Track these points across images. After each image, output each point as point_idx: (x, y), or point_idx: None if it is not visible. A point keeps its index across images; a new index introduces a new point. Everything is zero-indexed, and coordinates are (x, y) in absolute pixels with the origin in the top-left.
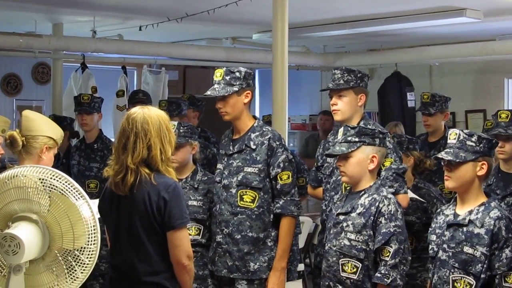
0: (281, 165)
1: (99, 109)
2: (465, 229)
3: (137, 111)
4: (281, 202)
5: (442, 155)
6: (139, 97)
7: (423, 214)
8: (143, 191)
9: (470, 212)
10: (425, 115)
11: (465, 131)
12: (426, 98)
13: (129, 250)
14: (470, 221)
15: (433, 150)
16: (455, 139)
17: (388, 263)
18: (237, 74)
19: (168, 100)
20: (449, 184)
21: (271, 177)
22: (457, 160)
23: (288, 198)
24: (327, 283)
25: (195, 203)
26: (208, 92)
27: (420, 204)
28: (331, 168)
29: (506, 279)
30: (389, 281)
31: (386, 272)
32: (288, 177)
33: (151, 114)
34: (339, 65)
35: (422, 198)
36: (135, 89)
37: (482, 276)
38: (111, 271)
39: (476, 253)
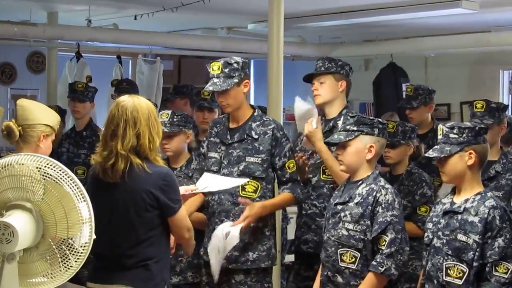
0: (287, 154)
1: (92, 99)
2: (459, 216)
3: (127, 99)
4: (289, 185)
5: (429, 153)
6: (123, 87)
7: (413, 198)
8: (138, 180)
9: (466, 200)
10: (407, 108)
11: (447, 124)
12: (409, 91)
13: (118, 238)
14: (465, 209)
15: (422, 142)
16: (441, 134)
17: (383, 252)
18: (235, 65)
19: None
20: (444, 178)
21: (277, 167)
22: (442, 156)
23: (296, 183)
24: (326, 273)
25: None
26: (210, 88)
27: (411, 188)
28: (310, 152)
29: (496, 268)
30: (382, 269)
31: (381, 261)
32: (294, 165)
33: (140, 103)
34: (334, 55)
35: (413, 182)
36: (130, 78)
37: (475, 264)
38: (95, 260)
39: (469, 241)
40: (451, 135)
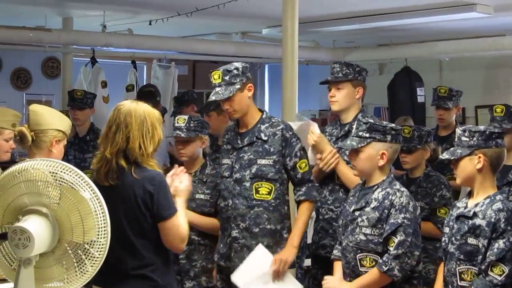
0: (298, 154)
1: (91, 105)
2: (470, 221)
3: (126, 103)
4: (303, 189)
5: (442, 155)
6: (148, 90)
7: (432, 200)
8: (126, 184)
9: (476, 204)
10: (442, 109)
11: (460, 128)
12: (443, 92)
13: (115, 243)
14: (475, 213)
15: (445, 144)
16: (457, 137)
17: (391, 253)
18: (235, 71)
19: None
20: (457, 180)
21: (289, 167)
22: (452, 158)
23: (310, 185)
24: (347, 280)
25: (202, 196)
26: (213, 97)
27: (429, 191)
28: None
29: (493, 268)
30: (386, 268)
31: (386, 260)
32: (306, 165)
33: (137, 108)
34: (348, 60)
35: (431, 184)
36: (144, 83)
37: (483, 267)
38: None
39: (479, 244)
40: (463, 138)
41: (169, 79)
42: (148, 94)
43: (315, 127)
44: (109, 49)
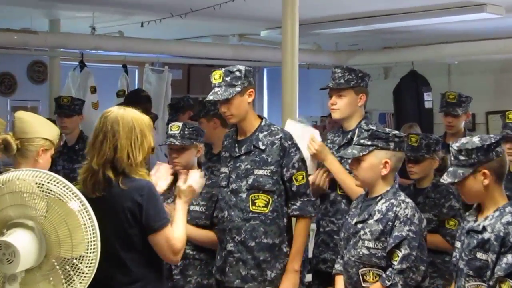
0: (296, 165)
1: (80, 111)
2: (479, 235)
3: (113, 110)
4: (298, 204)
5: (443, 178)
6: (144, 95)
7: (440, 211)
8: (113, 196)
9: (486, 218)
10: (451, 116)
11: (455, 145)
12: (452, 98)
13: (103, 258)
14: (484, 227)
15: None
16: (452, 155)
17: (394, 268)
18: (237, 73)
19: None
20: (466, 200)
21: (285, 178)
22: (456, 180)
23: (305, 199)
24: None
25: (197, 208)
26: (210, 97)
27: (438, 201)
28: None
29: (501, 284)
30: (389, 283)
31: (390, 275)
32: (303, 177)
33: (124, 115)
34: (352, 63)
35: (439, 194)
36: (136, 87)
37: (490, 283)
38: None
39: (488, 259)
40: (461, 157)
41: (162, 84)
42: (137, 99)
43: (316, 135)
44: (98, 52)
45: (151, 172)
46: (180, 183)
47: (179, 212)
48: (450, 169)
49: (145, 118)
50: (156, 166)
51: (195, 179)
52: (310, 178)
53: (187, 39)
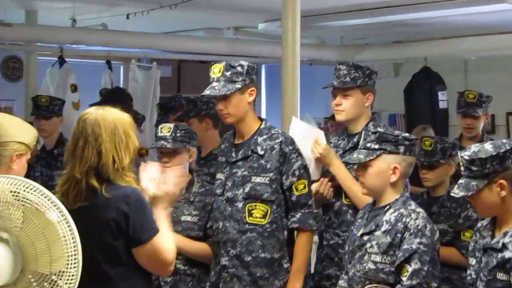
0: (296, 173)
1: (59, 113)
2: (499, 254)
3: (91, 111)
4: (298, 216)
5: (454, 191)
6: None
7: (456, 222)
8: (96, 205)
9: (505, 234)
10: (470, 117)
11: (465, 154)
12: (472, 98)
13: (85, 274)
14: (504, 245)
15: None
16: (462, 166)
17: (403, 284)
18: (239, 68)
19: (186, 99)
20: (479, 214)
21: (284, 187)
22: (470, 194)
23: (306, 211)
24: None
25: (189, 218)
26: (207, 92)
27: (453, 211)
28: (331, 174)
29: None
30: None
31: None
32: (305, 187)
33: (105, 115)
34: (358, 59)
35: (455, 203)
36: (122, 86)
37: None
38: None
39: (511, 280)
40: (474, 168)
41: (150, 82)
42: (115, 97)
43: (321, 137)
44: (80, 47)
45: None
46: (155, 189)
47: (161, 222)
48: (461, 181)
49: (125, 117)
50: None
51: (172, 183)
52: (313, 186)
53: (178, 33)
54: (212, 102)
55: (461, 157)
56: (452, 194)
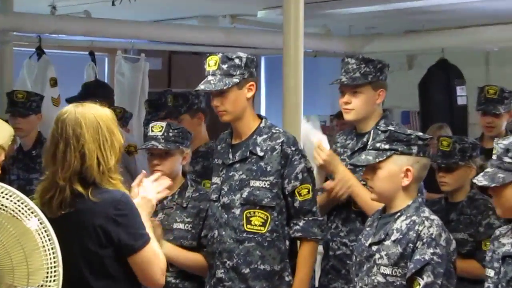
0: (299, 176)
1: (38, 110)
2: None
3: (69, 110)
4: (301, 224)
5: (477, 179)
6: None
7: (477, 231)
8: (81, 211)
9: None
10: (490, 115)
11: (502, 142)
12: (492, 93)
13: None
14: None
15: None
16: (495, 154)
17: None
18: (237, 61)
19: (175, 93)
20: (498, 212)
21: (286, 192)
22: (493, 185)
23: (310, 218)
24: None
25: (181, 226)
26: (202, 87)
27: (474, 218)
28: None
29: None
30: None
31: None
32: (308, 192)
33: (85, 113)
34: (368, 51)
35: (476, 210)
36: (106, 81)
37: None
38: None
39: None
40: (506, 159)
41: (137, 76)
42: (95, 91)
43: (324, 142)
44: (60, 37)
45: (133, 184)
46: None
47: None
48: (489, 169)
49: (108, 112)
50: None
51: (147, 187)
52: (328, 185)
53: (168, 21)
54: (202, 94)
55: (496, 144)
56: (474, 181)
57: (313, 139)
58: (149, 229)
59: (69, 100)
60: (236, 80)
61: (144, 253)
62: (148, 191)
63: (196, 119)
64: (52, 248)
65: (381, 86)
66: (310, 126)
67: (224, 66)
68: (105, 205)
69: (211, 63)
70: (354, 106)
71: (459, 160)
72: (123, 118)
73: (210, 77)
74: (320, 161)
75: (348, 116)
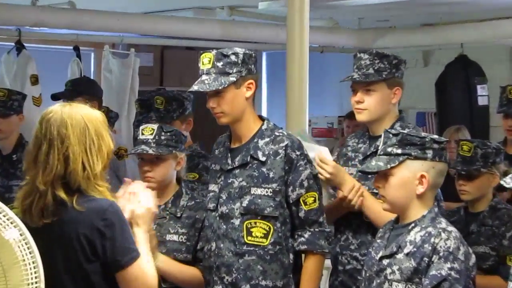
0: (305, 184)
1: (19, 110)
2: None
3: (55, 109)
4: (306, 235)
5: (505, 181)
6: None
7: (500, 244)
8: (65, 222)
9: None
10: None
11: None
12: None
13: None
14: None
15: None
16: None
17: None
18: (233, 57)
19: (166, 95)
20: None
21: (290, 200)
22: None
23: (316, 229)
24: None
25: (175, 237)
26: (195, 87)
27: (497, 230)
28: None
29: None
30: None
31: None
32: (314, 200)
33: (72, 114)
34: (380, 45)
35: (498, 221)
36: (92, 77)
37: None
38: None
39: None
40: None
41: (127, 73)
42: (84, 89)
43: (326, 154)
44: (42, 30)
45: (118, 193)
46: (133, 205)
47: (142, 245)
48: None
49: (98, 114)
50: (123, 188)
51: (149, 198)
52: (343, 192)
53: (160, 13)
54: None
55: None
56: (501, 182)
57: (312, 154)
58: (145, 243)
59: (55, 96)
60: (233, 78)
61: (131, 269)
62: (146, 199)
63: (185, 125)
64: (33, 262)
65: (397, 84)
66: (305, 142)
67: (219, 64)
68: (90, 215)
69: (205, 61)
70: (367, 106)
71: (481, 166)
72: (107, 118)
73: (204, 77)
74: (326, 175)
75: (360, 117)
